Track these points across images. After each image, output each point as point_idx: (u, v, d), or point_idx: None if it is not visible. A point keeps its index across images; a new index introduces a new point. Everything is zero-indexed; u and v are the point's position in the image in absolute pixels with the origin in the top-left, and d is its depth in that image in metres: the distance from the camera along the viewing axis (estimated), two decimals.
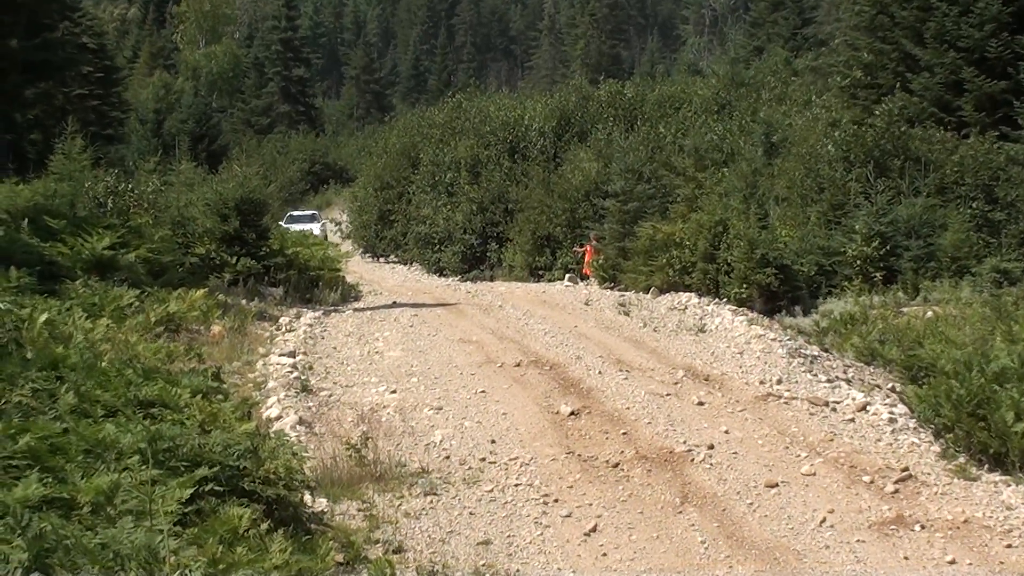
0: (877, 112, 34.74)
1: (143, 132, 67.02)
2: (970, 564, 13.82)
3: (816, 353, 24.15)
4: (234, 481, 12.49)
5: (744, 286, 31.04)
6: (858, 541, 14.38)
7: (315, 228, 50.66)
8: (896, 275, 29.63)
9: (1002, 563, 13.94)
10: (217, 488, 11.99)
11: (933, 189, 31.83)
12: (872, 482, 16.25)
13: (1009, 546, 14.38)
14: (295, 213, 55.12)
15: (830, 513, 15.08)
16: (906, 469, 16.68)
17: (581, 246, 42.96)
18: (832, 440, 17.99)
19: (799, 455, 17.25)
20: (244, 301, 27.29)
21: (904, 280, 29.28)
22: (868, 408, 19.56)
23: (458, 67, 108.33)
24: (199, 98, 73.76)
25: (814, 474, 16.48)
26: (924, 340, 21.99)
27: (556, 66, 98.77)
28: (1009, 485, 16.29)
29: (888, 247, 30.20)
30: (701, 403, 19.64)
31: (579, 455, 17.51)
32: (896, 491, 15.94)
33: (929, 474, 16.70)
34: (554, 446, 17.91)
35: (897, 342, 22.77)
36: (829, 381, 21.34)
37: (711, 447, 17.41)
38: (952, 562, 13.85)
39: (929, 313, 25.68)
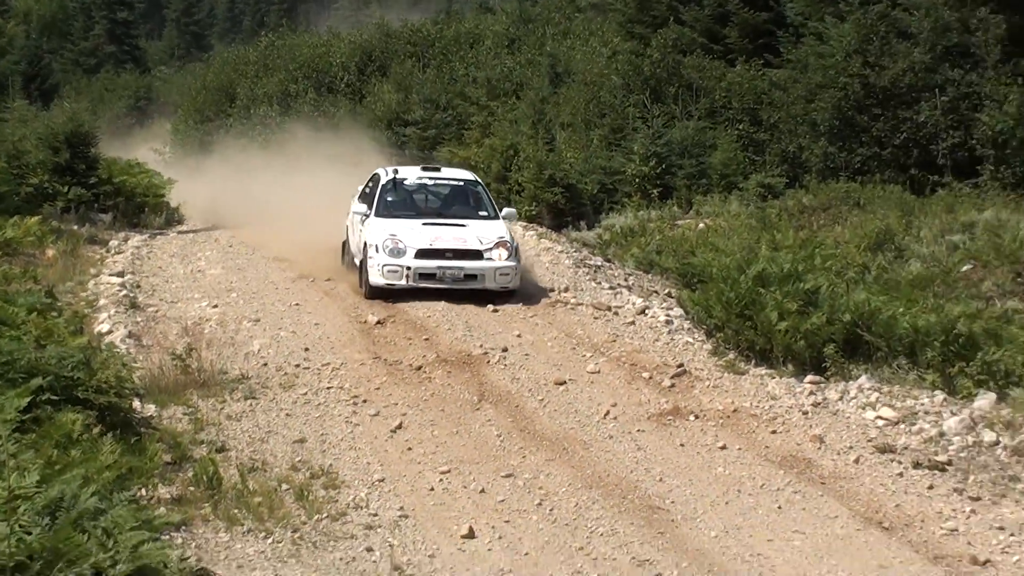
0: (652, 43, 35.00)
1: None
2: (739, 449, 14.25)
3: (600, 263, 24.43)
4: (68, 390, 12.52)
5: (534, 204, 31.31)
6: (639, 431, 14.75)
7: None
8: (671, 191, 30.10)
9: (767, 447, 14.39)
10: (52, 397, 12.13)
11: (704, 113, 32.31)
12: (651, 378, 16.63)
13: (774, 432, 14.83)
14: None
15: (613, 407, 15.41)
16: (681, 365, 17.09)
17: None
18: (615, 341, 18.32)
19: (585, 355, 17.54)
20: (76, 227, 26.82)
21: (678, 196, 29.78)
22: (647, 312, 19.92)
23: (270, 8, 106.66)
24: (31, 40, 72.61)
25: (598, 372, 16.78)
26: (697, 249, 22.42)
27: (360, 6, 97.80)
28: (773, 378, 16.81)
29: (664, 166, 30.64)
30: (496, 310, 19.82)
31: (385, 360, 17.61)
32: (672, 385, 16.35)
33: (702, 369, 17.14)
34: (362, 352, 17.98)
35: (673, 252, 23.18)
36: (612, 288, 21.66)
37: (505, 350, 17.61)
38: (723, 447, 14.26)
39: (701, 225, 26.19)
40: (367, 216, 21.63)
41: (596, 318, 19.64)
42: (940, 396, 15.76)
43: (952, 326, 16.82)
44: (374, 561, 11.13)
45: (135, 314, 19.82)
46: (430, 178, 23.48)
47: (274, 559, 11.10)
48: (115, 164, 31.51)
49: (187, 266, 24.58)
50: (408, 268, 20.13)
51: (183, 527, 11.31)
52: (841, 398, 15.98)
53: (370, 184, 23.59)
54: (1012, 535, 11.83)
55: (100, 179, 29.17)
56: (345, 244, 24.02)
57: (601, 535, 11.86)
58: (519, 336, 18.33)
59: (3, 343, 12.75)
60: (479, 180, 24.00)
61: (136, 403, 14.41)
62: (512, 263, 20.48)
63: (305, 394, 16.10)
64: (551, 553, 11.44)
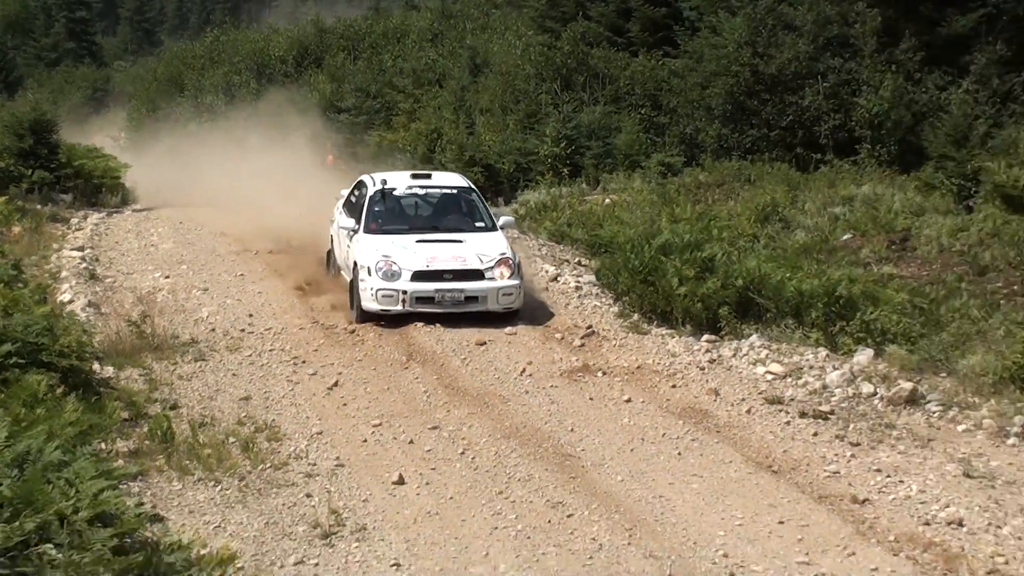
0: (562, 36, 34.94)
1: None
2: (643, 401, 14.28)
3: (516, 235, 24.37)
4: (33, 354, 12.58)
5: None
6: (552, 386, 14.75)
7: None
8: (580, 170, 30.07)
9: (668, 400, 14.44)
10: (19, 361, 12.19)
11: (609, 99, 32.27)
12: (563, 338, 16.66)
13: (674, 386, 14.89)
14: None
15: (529, 364, 15.40)
16: (590, 327, 17.12)
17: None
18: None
19: (503, 318, 17.47)
20: (39, 206, 26.66)
21: (587, 174, 29.75)
22: (559, 278, 19.91)
23: (215, 6, 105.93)
24: None
25: (515, 333, 16.76)
26: (604, 222, 22.44)
27: (298, 4, 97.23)
28: (673, 337, 16.91)
29: (573, 147, 30.61)
30: None
31: (322, 324, 17.71)
32: (583, 345, 16.39)
33: (609, 330, 17.16)
34: (301, 317, 18.04)
35: (582, 224, 23.16)
36: (527, 258, 21.57)
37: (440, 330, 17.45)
38: (628, 400, 14.28)
39: (607, 200, 26.17)
40: (355, 232, 18.36)
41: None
42: (823, 352, 15.90)
43: (833, 289, 16.96)
44: (313, 506, 11.15)
45: (94, 284, 19.86)
46: (421, 186, 19.80)
47: (222, 505, 11.15)
48: (75, 149, 31.40)
49: (141, 241, 24.48)
50: (404, 292, 17.01)
51: (139, 477, 11.39)
52: (734, 355, 16.06)
53: (355, 193, 20.01)
54: (888, 476, 11.92)
55: (61, 163, 29.09)
56: (330, 254, 20.71)
57: (519, 480, 11.87)
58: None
59: None
60: (472, 187, 20.46)
61: (96, 365, 14.43)
62: (515, 282, 17.48)
63: (249, 356, 16.22)
64: (473, 497, 11.48)
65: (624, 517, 10.98)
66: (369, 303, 17.12)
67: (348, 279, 18.23)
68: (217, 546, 9.73)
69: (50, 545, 7.73)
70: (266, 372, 15.57)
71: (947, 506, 11.11)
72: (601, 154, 30.02)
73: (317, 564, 9.98)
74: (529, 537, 10.56)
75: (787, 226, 22.04)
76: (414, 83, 42.05)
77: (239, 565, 9.55)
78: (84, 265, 21.15)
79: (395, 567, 9.96)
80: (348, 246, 18.47)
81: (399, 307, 16.99)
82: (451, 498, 11.50)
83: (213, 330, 17.35)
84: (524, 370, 15.25)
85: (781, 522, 10.87)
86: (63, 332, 13.68)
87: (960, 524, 10.73)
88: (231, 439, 12.83)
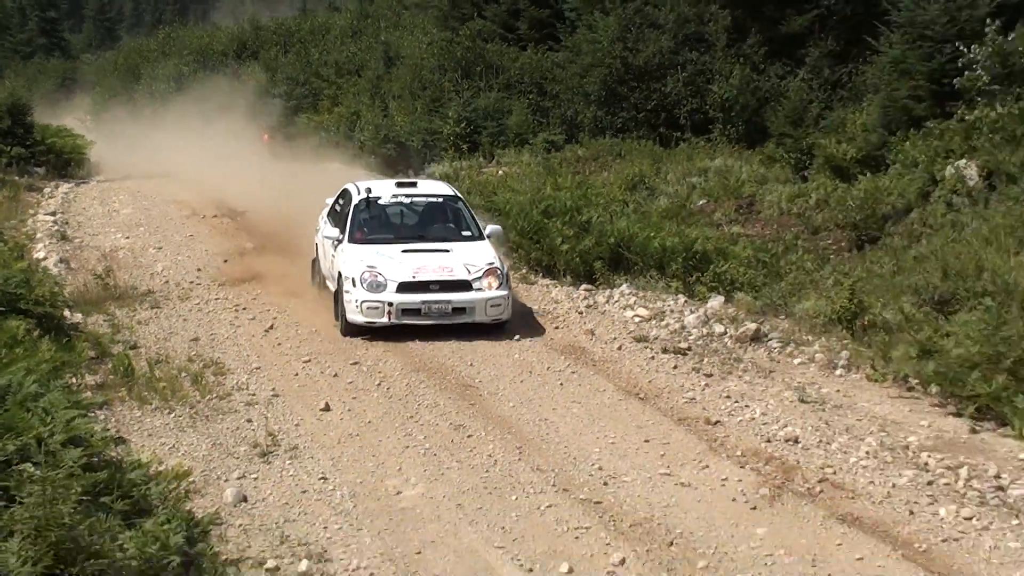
0: (461, 33, 34.67)
1: None
2: (530, 340, 14.45)
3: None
4: (13, 303, 12.74)
5: (373, 156, 31.09)
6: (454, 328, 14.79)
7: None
8: (478, 146, 29.91)
9: (552, 339, 14.60)
10: (1, 308, 12.32)
11: (502, 86, 32.05)
12: None
13: (557, 328, 15.07)
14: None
15: None
16: None
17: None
18: None
19: None
20: (16, 178, 26.62)
21: (483, 149, 29.60)
22: None
23: (167, 7, 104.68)
24: None
25: None
26: (498, 190, 22.31)
27: (237, 4, 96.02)
28: (556, 287, 17.15)
29: (472, 127, 30.45)
30: None
31: (259, 275, 17.76)
32: None
33: None
34: (242, 271, 18.05)
35: (480, 192, 23.00)
36: None
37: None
38: (518, 339, 14.40)
39: (501, 172, 26.09)
40: (339, 241, 15.54)
41: None
42: (682, 299, 16.07)
43: (691, 246, 17.11)
44: (253, 430, 11.27)
45: (64, 244, 19.93)
46: (406, 195, 16.78)
47: (176, 429, 11.30)
48: (47, 129, 31.63)
49: (104, 207, 24.47)
50: (390, 304, 14.32)
51: (104, 406, 11.52)
52: (607, 301, 16.16)
53: (340, 201, 17.03)
54: (736, 402, 12.09)
55: (35, 141, 29.22)
56: (315, 263, 17.45)
57: (426, 407, 11.98)
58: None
59: None
60: (458, 195, 17.34)
61: (66, 312, 14.57)
62: (503, 292, 14.76)
63: (198, 304, 16.38)
64: (388, 421, 11.58)
65: (515, 437, 11.08)
66: (354, 315, 14.40)
67: (333, 289, 15.49)
68: (172, 464, 9.83)
69: (29, 464, 7.70)
70: (212, 317, 15.68)
71: (785, 426, 11.28)
72: (495, 133, 29.90)
73: (256, 478, 10.07)
74: (435, 454, 10.66)
75: (652, 193, 22.09)
76: (336, 73, 41.74)
77: (191, 480, 9.64)
78: (56, 228, 21.17)
79: (322, 480, 10.08)
80: (333, 256, 15.65)
81: (384, 319, 14.33)
82: (369, 422, 11.60)
83: (167, 282, 17.47)
84: None
85: (647, 440, 11.00)
86: (38, 284, 13.98)
87: (796, 441, 10.91)
88: (183, 374, 12.98)
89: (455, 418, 11.60)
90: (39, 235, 20.40)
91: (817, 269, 16.72)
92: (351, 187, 16.93)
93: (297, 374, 13.27)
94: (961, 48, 18.48)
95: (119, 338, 14.29)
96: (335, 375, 13.17)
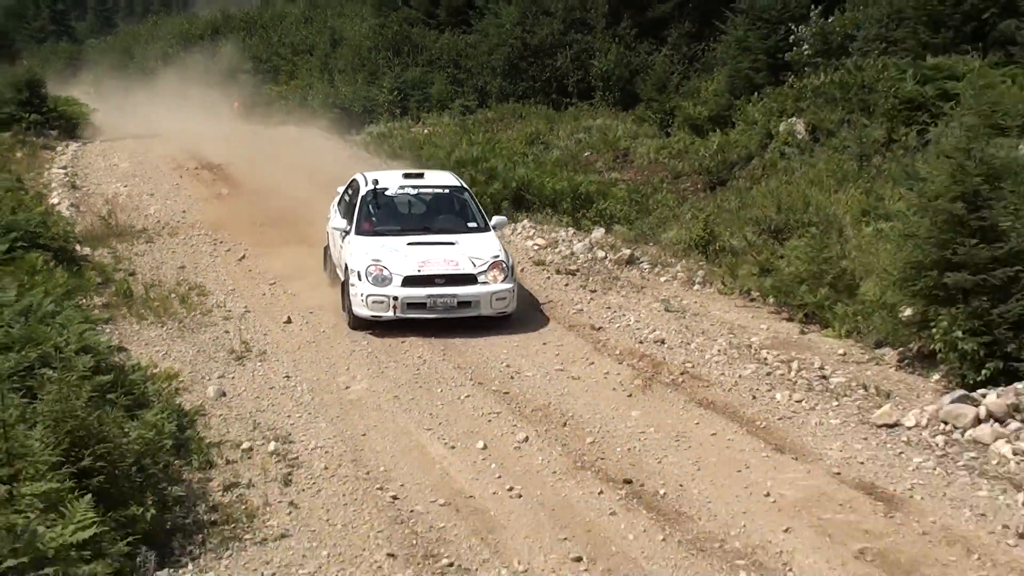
0: (392, 19, 34.00)
1: None
2: None
3: (367, 155, 23.73)
4: (33, 239, 12.82)
5: (323, 119, 30.45)
6: None
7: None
8: (407, 110, 29.32)
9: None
10: (23, 244, 12.45)
11: (425, 62, 31.46)
12: None
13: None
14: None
15: None
16: None
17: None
18: None
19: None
20: (34, 139, 25.80)
21: (412, 113, 29.02)
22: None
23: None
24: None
25: None
26: (424, 146, 21.93)
27: None
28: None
29: (402, 95, 29.88)
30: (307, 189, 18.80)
31: (235, 216, 17.13)
32: None
33: None
34: (220, 212, 17.49)
35: (409, 147, 22.57)
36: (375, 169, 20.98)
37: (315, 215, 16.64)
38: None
39: (426, 131, 25.56)
40: (347, 232, 12.49)
41: (365, 186, 19.03)
42: (572, 231, 15.85)
43: (577, 188, 16.93)
44: (230, 338, 11.25)
45: (74, 192, 19.33)
46: (413, 186, 13.45)
47: (167, 339, 11.24)
48: (59, 99, 30.90)
49: (106, 162, 23.42)
50: (395, 298, 11.39)
51: (109, 322, 11.45)
52: (512, 233, 15.84)
53: (349, 192, 13.78)
54: (615, 312, 12.00)
55: (48, 108, 28.40)
56: (326, 252, 13.98)
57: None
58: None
59: None
60: (465, 186, 13.86)
61: (77, 247, 14.37)
62: (508, 285, 11.68)
63: (183, 239, 15.93)
64: (338, 331, 11.56)
65: (440, 343, 10.99)
66: (360, 309, 11.45)
67: (342, 280, 12.46)
68: (164, 367, 9.93)
69: (48, 369, 7.83)
70: (195, 249, 15.31)
71: (654, 331, 11.22)
72: (421, 100, 29.38)
73: (233, 378, 10.13)
74: (377, 357, 10.62)
75: (547, 147, 21.81)
76: (292, 52, 40.97)
77: (180, 379, 9.72)
78: (66, 178, 20.50)
79: (286, 378, 10.12)
80: (341, 247, 12.65)
81: (390, 313, 11.36)
82: (323, 332, 11.56)
83: (158, 222, 16.95)
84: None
85: (544, 343, 10.96)
86: (53, 224, 14.06)
87: (663, 342, 10.85)
88: (172, 295, 12.73)
89: (391, 329, 11.36)
90: (53, 185, 19.75)
91: (678, 206, 16.63)
92: (359, 177, 13.62)
93: (264, 294, 13.04)
94: (791, 28, 18.47)
95: (120, 267, 13.96)
96: (295, 295, 12.91)
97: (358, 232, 12.33)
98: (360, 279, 11.50)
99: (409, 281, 11.44)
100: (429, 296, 11.39)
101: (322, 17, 44.78)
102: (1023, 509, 7.39)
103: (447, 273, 11.53)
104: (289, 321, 11.84)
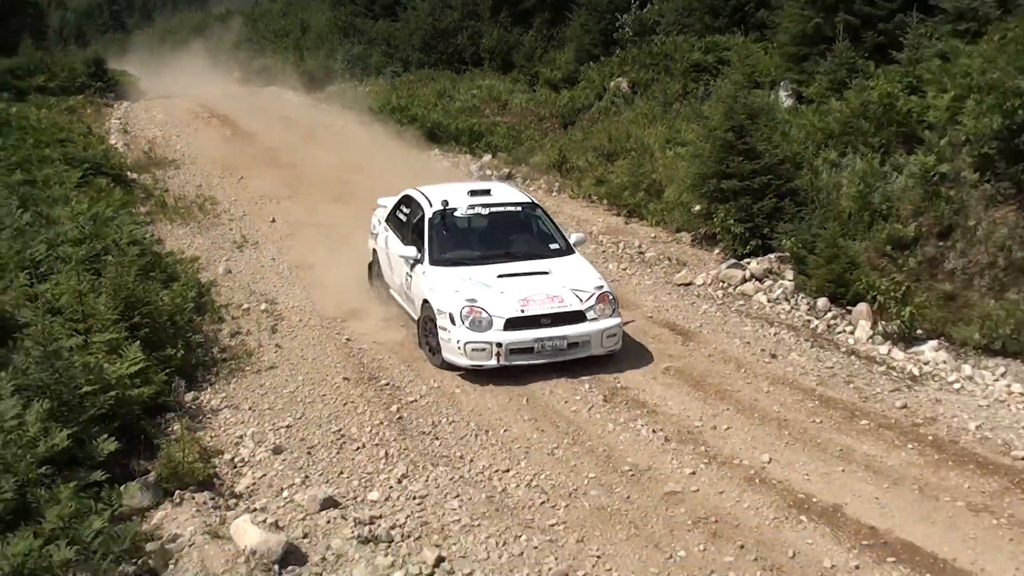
0: (341, 11, 32.29)
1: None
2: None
3: (326, 107, 22.49)
4: (98, 168, 12.65)
5: (297, 81, 28.84)
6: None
7: None
8: (355, 75, 27.83)
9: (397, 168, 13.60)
10: (91, 171, 12.24)
11: (366, 42, 29.78)
12: None
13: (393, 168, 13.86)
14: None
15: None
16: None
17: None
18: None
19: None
20: (99, 99, 24.72)
21: (358, 78, 27.55)
22: (345, 128, 18.13)
23: (156, 3, 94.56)
24: (71, 19, 68.77)
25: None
26: (366, 100, 20.85)
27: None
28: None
29: (351, 64, 28.32)
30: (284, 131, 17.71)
31: (235, 151, 16.16)
32: None
33: None
34: (226, 153, 16.13)
35: (355, 100, 21.45)
36: (330, 116, 19.93)
37: (300, 159, 15.10)
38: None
39: (368, 89, 24.34)
40: (417, 261, 7.47)
41: (327, 126, 18.32)
42: (469, 157, 15.48)
43: (473, 127, 16.50)
44: (233, 233, 11.14)
45: (126, 135, 18.39)
46: (482, 205, 7.89)
47: (190, 234, 11.09)
48: (116, 71, 30.34)
49: (147, 114, 22.05)
50: (498, 345, 6.73)
51: (151, 223, 11.15)
52: (428, 158, 15.35)
53: (404, 210, 8.28)
54: None
55: (108, 78, 27.81)
56: (372, 267, 8.85)
57: (327, 225, 11.00)
58: (308, 151, 15.70)
59: (71, 148, 13.44)
60: (535, 201, 8.35)
61: (128, 173, 13.93)
62: (617, 320, 7.08)
63: (202, 166, 15.18)
64: (309, 229, 11.01)
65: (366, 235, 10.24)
66: (456, 357, 6.87)
67: (413, 314, 7.65)
68: (189, 253, 9.89)
69: (108, 256, 7.78)
70: (209, 173, 14.61)
71: None
72: (364, 69, 28.02)
73: (236, 260, 10.06)
74: (332, 246, 10.15)
75: (451, 100, 20.90)
76: (275, 35, 38.90)
77: (199, 261, 9.63)
78: (120, 126, 19.54)
79: (272, 260, 10.01)
80: (409, 275, 7.63)
81: (493, 362, 6.79)
82: (296, 227, 11.19)
83: (183, 155, 16.03)
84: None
85: None
86: (112, 157, 13.93)
87: None
88: (193, 204, 12.37)
89: (347, 228, 10.33)
90: (111, 130, 18.64)
91: (542, 139, 16.24)
92: (415, 194, 8.28)
93: (257, 203, 12.53)
94: (617, 16, 18.06)
95: (157, 186, 13.35)
96: (279, 202, 12.44)
97: (434, 262, 7.45)
98: (454, 323, 6.90)
99: (512, 324, 6.85)
100: (536, 340, 6.84)
101: (295, 11, 42.90)
102: (774, 339, 7.64)
103: (554, 312, 6.93)
104: (274, 221, 11.55)
